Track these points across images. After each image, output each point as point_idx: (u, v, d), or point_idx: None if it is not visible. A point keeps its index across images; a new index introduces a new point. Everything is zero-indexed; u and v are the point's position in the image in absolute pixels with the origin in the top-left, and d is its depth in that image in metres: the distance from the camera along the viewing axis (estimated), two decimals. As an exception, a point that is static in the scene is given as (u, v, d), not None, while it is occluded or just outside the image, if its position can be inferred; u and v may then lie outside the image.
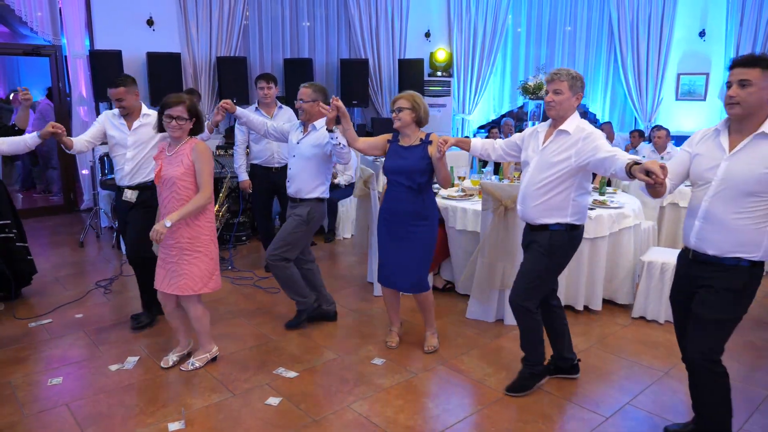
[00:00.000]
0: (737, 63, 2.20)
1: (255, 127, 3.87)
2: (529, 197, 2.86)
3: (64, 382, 3.12)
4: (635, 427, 2.75)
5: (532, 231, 2.93)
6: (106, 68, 6.84)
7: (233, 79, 7.73)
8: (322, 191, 3.68)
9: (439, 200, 4.24)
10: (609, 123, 8.76)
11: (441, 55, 9.25)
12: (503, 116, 9.70)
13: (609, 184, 5.26)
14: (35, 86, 9.34)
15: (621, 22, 9.54)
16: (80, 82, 7.25)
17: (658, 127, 6.81)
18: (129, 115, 3.66)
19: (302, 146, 3.62)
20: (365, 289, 4.65)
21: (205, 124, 3.40)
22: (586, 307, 4.18)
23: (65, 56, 7.24)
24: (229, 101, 3.59)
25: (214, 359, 3.34)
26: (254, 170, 4.96)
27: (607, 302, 4.28)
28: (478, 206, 4.09)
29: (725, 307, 2.27)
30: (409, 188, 3.27)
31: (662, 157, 6.50)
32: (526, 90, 9.08)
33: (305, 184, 3.64)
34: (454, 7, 9.46)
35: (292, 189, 3.69)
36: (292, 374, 3.21)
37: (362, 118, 9.08)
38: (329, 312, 3.97)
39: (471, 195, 4.59)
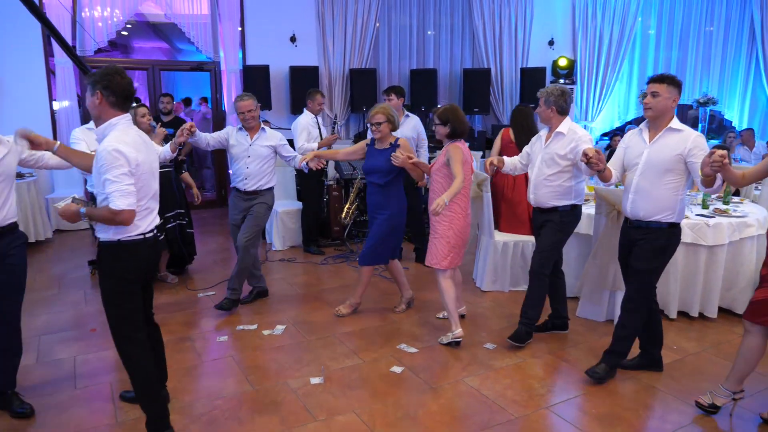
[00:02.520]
0: (651, 80, 3.08)
1: (200, 144, 4.28)
2: (539, 186, 3.58)
3: (229, 340, 3.83)
4: (740, 425, 2.86)
5: (543, 213, 3.65)
6: (255, 81, 7.80)
7: (363, 89, 8.41)
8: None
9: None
10: (750, 130, 8.33)
11: (563, 63, 9.31)
12: (628, 123, 9.53)
13: (737, 194, 5.15)
14: (186, 95, 10.76)
15: (766, 22, 8.99)
16: (232, 93, 8.30)
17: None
18: (251, 128, 4.28)
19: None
20: (474, 285, 5.00)
21: (168, 144, 3.84)
22: (701, 314, 4.21)
23: (221, 71, 8.35)
24: (192, 124, 3.89)
25: (457, 343, 3.77)
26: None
27: (724, 311, 4.26)
28: (592, 210, 4.28)
29: (646, 259, 3.07)
30: (377, 184, 4.05)
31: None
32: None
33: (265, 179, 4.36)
34: (580, 14, 9.48)
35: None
36: (413, 350, 3.67)
37: (483, 126, 9.40)
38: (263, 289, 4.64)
39: (586, 200, 4.77)
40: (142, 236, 2.50)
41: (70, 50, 5.56)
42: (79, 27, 7.22)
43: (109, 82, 2.39)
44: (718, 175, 2.67)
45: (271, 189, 4.41)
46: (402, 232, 4.29)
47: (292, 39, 8.39)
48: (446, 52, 9.27)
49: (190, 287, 4.90)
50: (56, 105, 7.28)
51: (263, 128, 4.34)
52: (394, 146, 4.00)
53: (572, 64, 9.40)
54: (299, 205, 6.27)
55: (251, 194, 4.33)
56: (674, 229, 3.10)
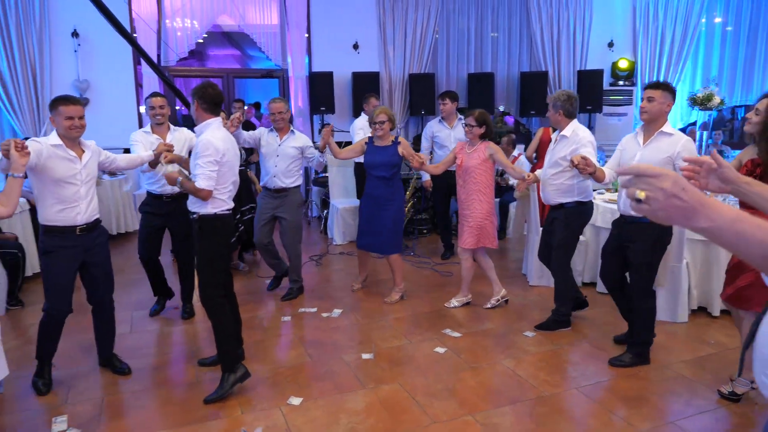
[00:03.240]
0: (647, 86, 3.36)
1: (238, 140, 4.29)
2: (545, 185, 3.95)
3: (292, 320, 4.30)
4: (761, 412, 3.01)
5: (552, 210, 4.00)
6: (320, 87, 8.31)
7: (422, 93, 8.75)
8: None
9: (601, 202, 4.72)
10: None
11: (623, 64, 9.30)
12: (691, 125, 9.39)
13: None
14: (256, 100, 11.44)
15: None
16: (299, 98, 8.87)
17: None
18: (281, 129, 4.61)
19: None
20: (523, 279, 5.25)
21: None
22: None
23: (289, 77, 8.92)
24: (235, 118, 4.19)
25: (467, 303, 4.54)
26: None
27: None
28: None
29: (645, 254, 3.32)
30: (383, 177, 4.46)
31: None
32: (694, 101, 8.73)
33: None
34: (641, 14, 9.43)
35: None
36: (456, 334, 3.99)
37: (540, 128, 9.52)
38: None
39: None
40: (229, 211, 3.18)
41: (154, 65, 6.23)
42: (164, 37, 7.97)
43: (203, 93, 3.07)
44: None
45: (297, 188, 4.71)
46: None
47: (355, 46, 8.84)
48: (504, 56, 9.46)
49: (259, 275, 5.43)
50: (143, 111, 8.06)
51: (292, 130, 4.65)
52: (396, 143, 4.49)
53: (633, 65, 9.37)
54: (358, 202, 6.70)
55: (279, 192, 4.62)
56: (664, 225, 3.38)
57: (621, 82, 9.35)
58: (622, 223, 3.50)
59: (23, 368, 3.41)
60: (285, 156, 4.59)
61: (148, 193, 4.24)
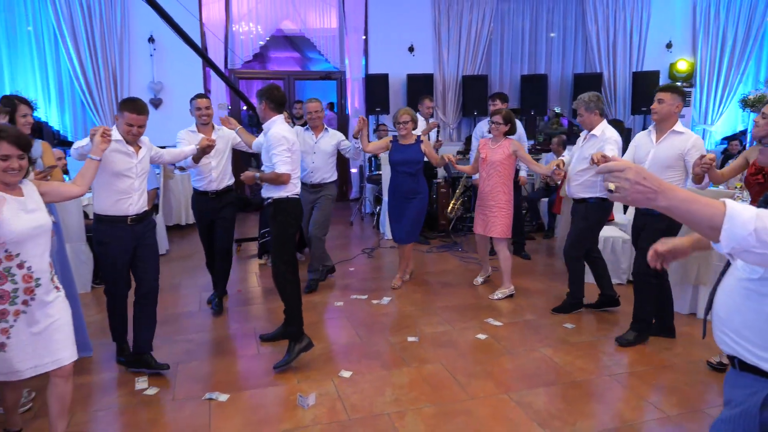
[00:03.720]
0: (658, 89, 3.68)
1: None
2: (572, 180, 4.20)
3: (343, 305, 4.63)
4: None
5: (575, 204, 4.26)
6: (376, 88, 8.63)
7: (475, 94, 8.93)
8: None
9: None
10: None
11: (682, 66, 9.19)
12: (741, 133, 9.16)
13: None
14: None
15: None
16: (355, 99, 9.23)
17: None
18: (316, 127, 4.92)
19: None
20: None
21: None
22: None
23: (347, 79, 9.30)
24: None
25: (511, 296, 4.78)
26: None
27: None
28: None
29: (656, 240, 3.41)
30: (408, 173, 4.79)
31: None
32: (746, 103, 8.50)
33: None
34: (701, 15, 9.29)
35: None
36: (498, 323, 4.21)
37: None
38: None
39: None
40: (297, 195, 3.61)
41: (218, 70, 6.69)
42: (230, 41, 8.51)
43: (270, 94, 3.52)
44: (706, 174, 3.32)
45: (333, 182, 5.01)
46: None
47: (410, 49, 9.13)
48: (558, 57, 9.53)
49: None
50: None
51: (326, 128, 4.96)
52: (419, 142, 4.85)
53: (692, 66, 9.24)
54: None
55: (317, 187, 4.91)
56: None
57: (679, 83, 9.23)
58: (639, 214, 3.87)
59: (108, 336, 3.85)
60: (322, 153, 4.90)
61: (195, 191, 4.45)
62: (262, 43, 8.95)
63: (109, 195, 3.28)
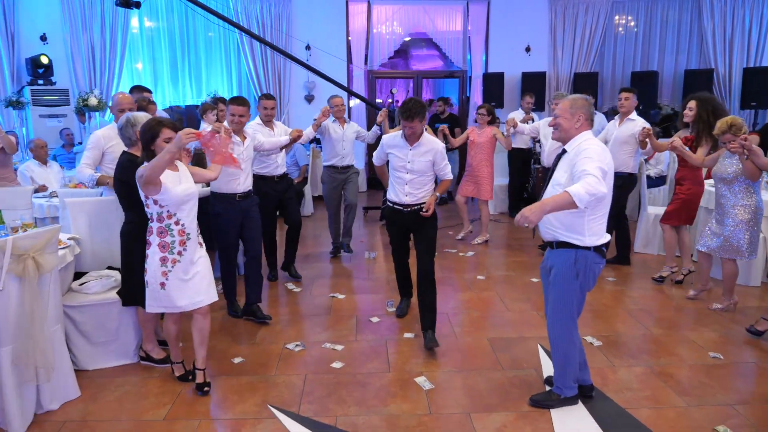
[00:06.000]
0: (621, 90, 5.33)
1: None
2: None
3: (438, 255, 6.01)
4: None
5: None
6: (492, 86, 9.75)
7: (586, 91, 9.65)
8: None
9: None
10: None
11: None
12: None
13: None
14: (436, 96, 13.10)
15: None
16: (474, 96, 10.44)
17: None
18: (340, 119, 5.61)
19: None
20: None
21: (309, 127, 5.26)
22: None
23: (468, 77, 10.53)
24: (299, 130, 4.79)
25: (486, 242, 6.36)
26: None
27: None
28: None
29: (622, 192, 5.36)
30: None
31: None
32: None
33: None
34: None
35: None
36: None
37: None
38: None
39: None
40: None
41: (356, 95, 8.31)
42: (370, 45, 10.18)
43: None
44: (648, 143, 4.96)
45: (354, 164, 5.84)
46: None
47: (527, 49, 10.11)
48: (672, 53, 9.90)
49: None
50: (352, 105, 10.37)
51: (347, 120, 5.73)
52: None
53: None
54: (508, 181, 8.11)
55: (345, 168, 5.71)
56: (631, 176, 5.37)
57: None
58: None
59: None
60: (348, 140, 5.70)
61: (258, 177, 4.61)
62: (406, 39, 10.44)
63: (222, 176, 3.70)
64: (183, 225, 3.01)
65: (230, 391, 3.23)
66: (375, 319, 4.29)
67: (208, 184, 4.18)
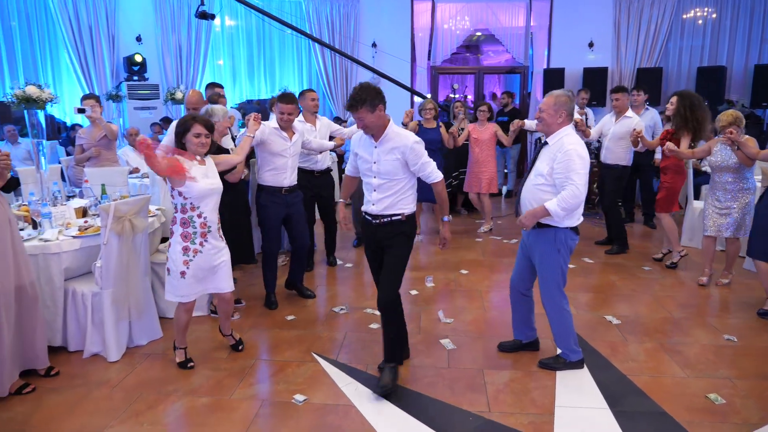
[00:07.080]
0: (612, 90, 5.79)
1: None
2: (608, 150, 5.97)
3: (481, 241, 6.41)
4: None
5: (606, 169, 6.06)
6: (553, 81, 9.89)
7: (649, 87, 9.59)
8: None
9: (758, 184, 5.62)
10: None
11: None
12: None
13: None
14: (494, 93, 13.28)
15: None
16: (536, 92, 10.61)
17: None
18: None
19: None
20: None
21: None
22: None
23: (529, 73, 10.71)
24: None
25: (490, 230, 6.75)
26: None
27: None
28: None
29: (613, 184, 5.95)
30: (429, 150, 6.62)
31: None
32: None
33: None
34: None
35: None
36: (590, 261, 5.60)
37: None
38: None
39: None
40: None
41: (412, 90, 8.77)
42: (434, 42, 10.58)
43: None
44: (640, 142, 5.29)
45: None
46: None
47: (590, 44, 10.16)
48: (742, 48, 9.65)
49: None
50: (417, 101, 10.82)
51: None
52: (438, 126, 6.25)
53: None
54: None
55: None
56: (626, 168, 5.84)
57: None
58: (602, 168, 6.10)
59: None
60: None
61: (299, 171, 4.53)
62: (475, 35, 10.73)
63: (269, 170, 4.04)
64: (205, 218, 3.15)
65: (281, 341, 3.83)
66: (414, 292, 4.78)
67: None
